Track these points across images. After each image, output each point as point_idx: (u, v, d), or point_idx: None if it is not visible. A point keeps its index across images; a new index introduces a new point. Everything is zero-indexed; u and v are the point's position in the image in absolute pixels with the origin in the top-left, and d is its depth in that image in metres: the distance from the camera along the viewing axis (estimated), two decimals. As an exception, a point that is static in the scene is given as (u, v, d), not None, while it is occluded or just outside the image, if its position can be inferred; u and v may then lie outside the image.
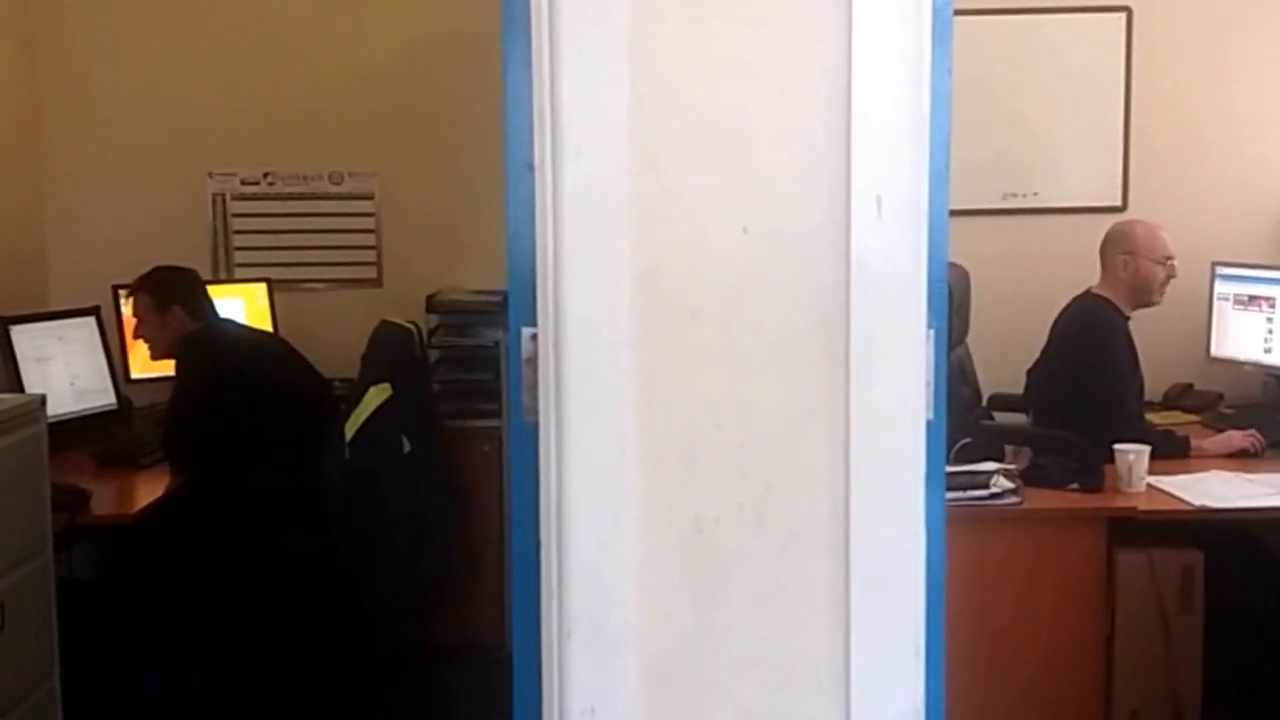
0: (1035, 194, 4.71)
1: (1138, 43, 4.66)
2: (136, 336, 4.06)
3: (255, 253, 4.78)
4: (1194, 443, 3.81)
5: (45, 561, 3.02)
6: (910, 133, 1.43)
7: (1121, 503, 3.31)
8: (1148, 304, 3.93)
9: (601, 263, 1.42)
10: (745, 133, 1.44)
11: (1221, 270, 4.48)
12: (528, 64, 1.43)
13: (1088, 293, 3.94)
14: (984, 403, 4.32)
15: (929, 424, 1.47)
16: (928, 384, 1.47)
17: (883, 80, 1.43)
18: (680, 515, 1.45)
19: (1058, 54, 4.68)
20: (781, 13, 1.43)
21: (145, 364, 4.23)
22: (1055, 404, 3.86)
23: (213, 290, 4.16)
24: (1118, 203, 4.67)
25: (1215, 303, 4.49)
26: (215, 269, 4.74)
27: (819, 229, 1.44)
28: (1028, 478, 3.38)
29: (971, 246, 4.05)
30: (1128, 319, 3.90)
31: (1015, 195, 4.70)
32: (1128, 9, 4.65)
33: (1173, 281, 3.93)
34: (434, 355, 4.47)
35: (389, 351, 3.88)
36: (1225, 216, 4.66)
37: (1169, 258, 3.89)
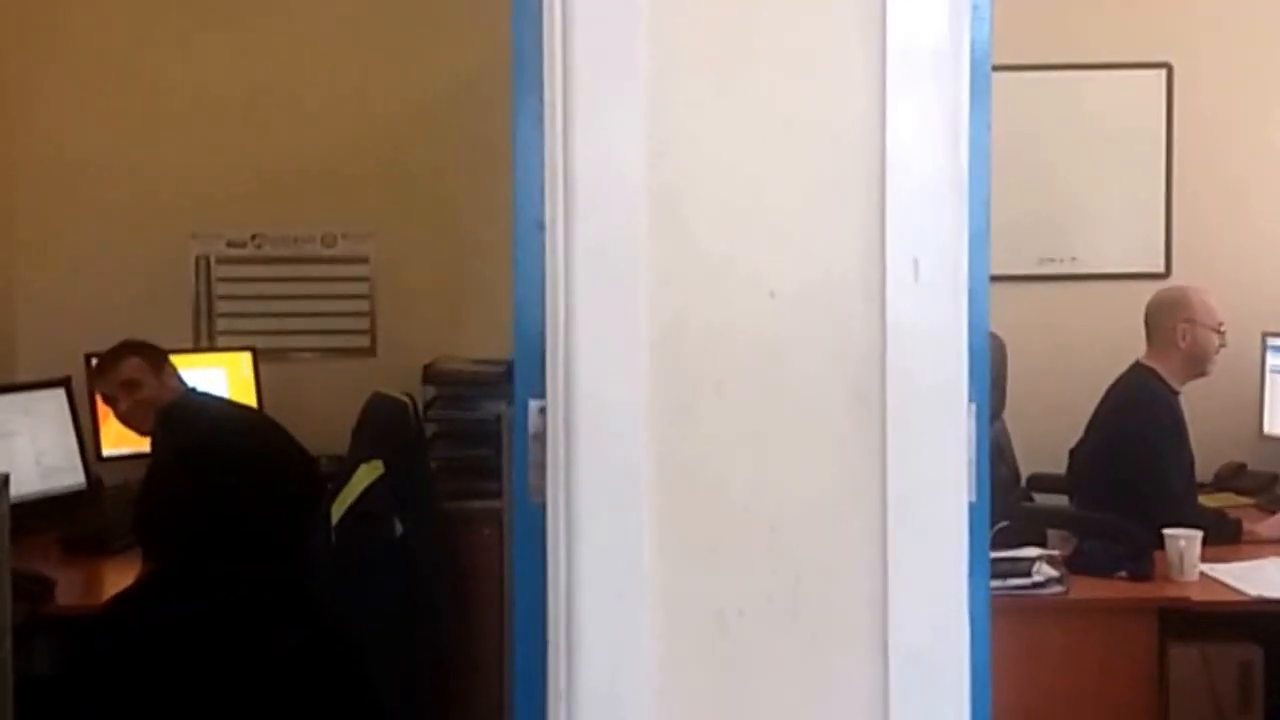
0: (1073, 259, 4.71)
1: (1179, 100, 4.68)
2: (126, 411, 3.98)
3: (240, 319, 4.75)
4: (1246, 526, 3.78)
5: (3, 657, 2.97)
6: (949, 191, 1.42)
7: (1173, 592, 3.26)
8: (1201, 374, 3.91)
9: (617, 329, 1.40)
10: (772, 189, 1.42)
11: (1273, 341, 4.45)
12: (538, 116, 1.41)
13: (1136, 364, 3.92)
14: (1023, 483, 4.28)
15: (971, 506, 1.44)
16: (969, 462, 1.45)
17: (919, 134, 1.42)
18: (703, 608, 1.42)
19: (1095, 112, 4.69)
20: (811, 62, 1.42)
21: (118, 439, 4.18)
22: (1100, 485, 3.83)
23: (193, 360, 4.13)
24: (1160, 269, 4.65)
25: (1267, 376, 4.45)
26: (197, 337, 4.71)
27: (852, 293, 1.42)
28: (1072, 565, 3.34)
29: (1006, 314, 3.98)
30: (1177, 393, 3.87)
31: (1052, 260, 4.70)
32: (1168, 65, 4.67)
33: (1222, 354, 3.93)
34: (430, 429, 4.43)
35: (382, 425, 3.84)
36: (1275, 283, 4.64)
37: (1221, 324, 3.90)
